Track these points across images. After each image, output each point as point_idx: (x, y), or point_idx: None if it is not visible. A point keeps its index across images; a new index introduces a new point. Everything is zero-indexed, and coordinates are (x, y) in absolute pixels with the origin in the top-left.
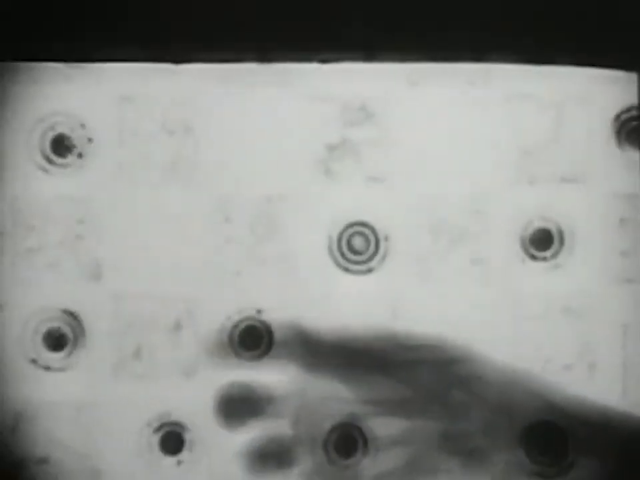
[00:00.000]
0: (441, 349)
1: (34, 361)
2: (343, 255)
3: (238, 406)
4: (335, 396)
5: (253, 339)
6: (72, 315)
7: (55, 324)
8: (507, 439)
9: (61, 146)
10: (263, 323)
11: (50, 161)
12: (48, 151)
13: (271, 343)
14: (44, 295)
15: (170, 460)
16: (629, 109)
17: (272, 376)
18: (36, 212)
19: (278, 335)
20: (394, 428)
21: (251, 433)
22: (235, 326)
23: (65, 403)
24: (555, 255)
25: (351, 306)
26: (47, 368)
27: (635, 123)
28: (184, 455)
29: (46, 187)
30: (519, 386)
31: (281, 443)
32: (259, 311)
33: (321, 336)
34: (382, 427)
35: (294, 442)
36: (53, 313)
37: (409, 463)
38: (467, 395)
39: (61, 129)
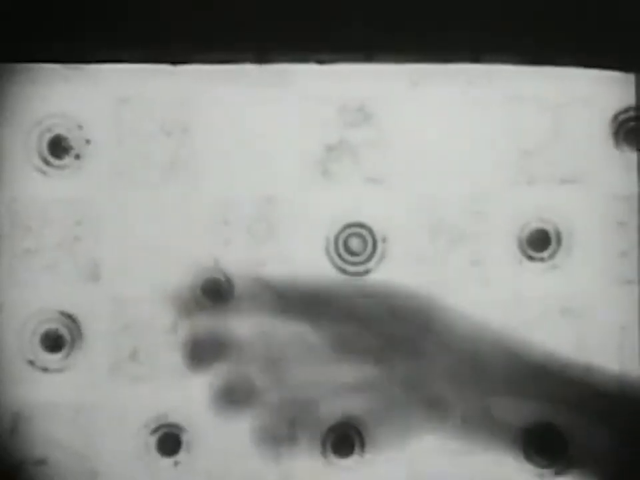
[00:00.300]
0: (409, 298)
1: (32, 362)
2: (340, 256)
3: (203, 348)
4: (301, 341)
5: (215, 291)
6: (69, 317)
7: (53, 325)
8: (471, 389)
9: (58, 147)
10: (224, 274)
11: (47, 163)
12: (45, 152)
13: (233, 294)
14: (42, 296)
15: (167, 461)
16: (626, 110)
17: (238, 324)
18: (34, 213)
19: (240, 287)
20: (358, 374)
21: (216, 374)
22: (196, 279)
23: (63, 404)
24: (552, 256)
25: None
26: (45, 369)
27: (632, 123)
28: (181, 456)
29: (44, 189)
30: (486, 337)
31: (246, 384)
32: (216, 261)
33: (285, 286)
34: (347, 372)
35: (259, 383)
36: (51, 315)
37: (372, 408)
38: (433, 343)
39: (58, 131)
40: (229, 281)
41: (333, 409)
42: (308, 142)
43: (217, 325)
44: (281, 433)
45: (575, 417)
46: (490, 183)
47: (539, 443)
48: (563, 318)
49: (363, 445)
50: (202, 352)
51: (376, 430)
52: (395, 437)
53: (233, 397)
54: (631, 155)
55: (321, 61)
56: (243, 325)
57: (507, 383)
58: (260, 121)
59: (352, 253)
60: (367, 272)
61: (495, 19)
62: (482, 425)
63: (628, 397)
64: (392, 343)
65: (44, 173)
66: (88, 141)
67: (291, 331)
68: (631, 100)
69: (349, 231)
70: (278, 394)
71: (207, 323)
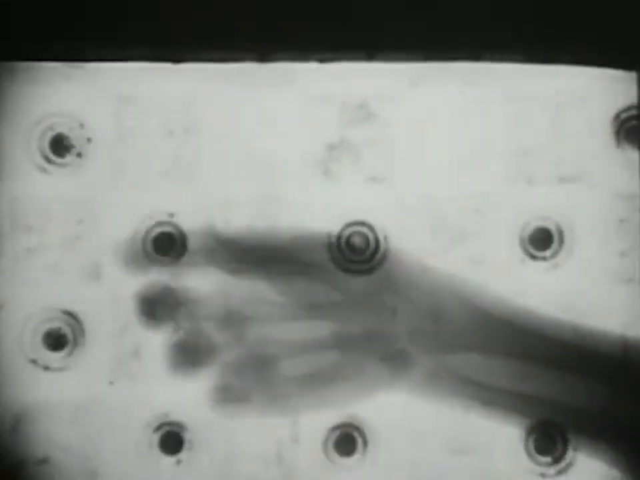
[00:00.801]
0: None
1: (33, 361)
2: (342, 254)
3: (158, 305)
4: (259, 298)
5: (166, 244)
6: (71, 315)
7: (55, 324)
8: (433, 344)
9: (59, 146)
10: (176, 227)
11: (49, 161)
12: (47, 150)
13: (185, 248)
14: (43, 295)
15: (169, 460)
16: (628, 109)
17: (192, 279)
18: (35, 212)
19: (193, 240)
20: (321, 331)
21: (173, 333)
22: (148, 232)
23: (65, 403)
24: (554, 255)
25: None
26: (47, 368)
27: (634, 122)
28: (183, 454)
29: (45, 187)
30: (449, 291)
31: (203, 342)
32: (171, 215)
33: (242, 239)
34: (309, 330)
35: (216, 340)
36: (53, 313)
37: (335, 366)
38: (396, 298)
39: (59, 129)
40: (182, 235)
41: (293, 368)
42: (309, 141)
43: (171, 280)
44: (237, 391)
45: (555, 375)
46: (492, 182)
47: (540, 441)
48: (564, 317)
49: (365, 444)
50: (156, 308)
51: (338, 386)
52: (358, 393)
53: (188, 354)
54: (632, 153)
55: (322, 60)
56: (199, 281)
57: (471, 339)
58: (261, 120)
59: (354, 252)
60: (370, 270)
61: (495, 17)
62: (445, 381)
63: (629, 360)
64: (353, 298)
65: (45, 171)
66: (89, 140)
67: (249, 287)
68: (632, 98)
69: (350, 229)
70: (235, 352)
71: (161, 278)
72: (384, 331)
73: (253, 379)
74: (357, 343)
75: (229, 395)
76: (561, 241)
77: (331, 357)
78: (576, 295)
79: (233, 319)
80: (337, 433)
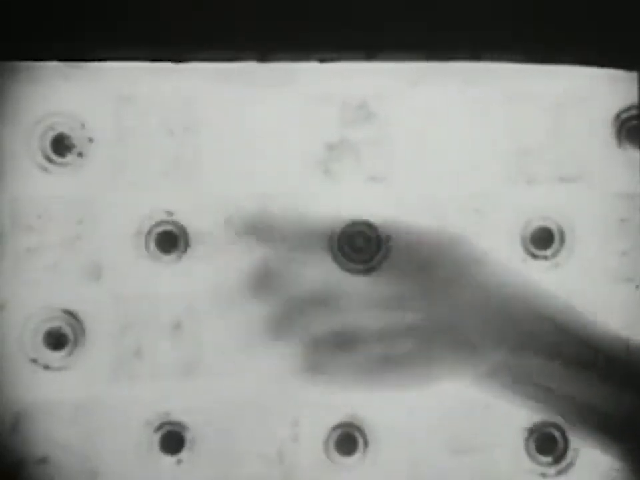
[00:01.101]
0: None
1: (34, 361)
2: (344, 253)
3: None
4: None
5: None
6: (72, 315)
7: (55, 323)
8: (497, 339)
9: (60, 145)
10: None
11: (50, 160)
12: (48, 150)
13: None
14: (44, 294)
15: (170, 459)
16: (629, 108)
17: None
18: (35, 212)
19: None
20: (381, 323)
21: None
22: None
23: (65, 402)
24: (555, 254)
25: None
26: (47, 367)
27: (635, 122)
28: (184, 454)
29: (45, 187)
30: (516, 293)
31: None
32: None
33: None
34: (387, 319)
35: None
36: (53, 313)
37: (401, 356)
38: (466, 291)
39: (60, 129)
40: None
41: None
42: (309, 140)
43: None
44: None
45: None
46: (492, 182)
47: (541, 441)
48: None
49: (365, 444)
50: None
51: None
52: (424, 380)
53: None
54: (633, 153)
55: (322, 60)
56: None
57: (533, 341)
58: (261, 120)
59: (356, 251)
60: (371, 269)
61: (495, 17)
62: (505, 378)
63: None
64: (425, 288)
65: (46, 170)
66: (90, 139)
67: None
68: (633, 98)
69: (351, 229)
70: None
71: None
72: (450, 321)
73: (333, 355)
74: (430, 330)
75: (311, 366)
76: (562, 240)
77: (405, 344)
78: (576, 295)
79: (318, 303)
80: (338, 432)
